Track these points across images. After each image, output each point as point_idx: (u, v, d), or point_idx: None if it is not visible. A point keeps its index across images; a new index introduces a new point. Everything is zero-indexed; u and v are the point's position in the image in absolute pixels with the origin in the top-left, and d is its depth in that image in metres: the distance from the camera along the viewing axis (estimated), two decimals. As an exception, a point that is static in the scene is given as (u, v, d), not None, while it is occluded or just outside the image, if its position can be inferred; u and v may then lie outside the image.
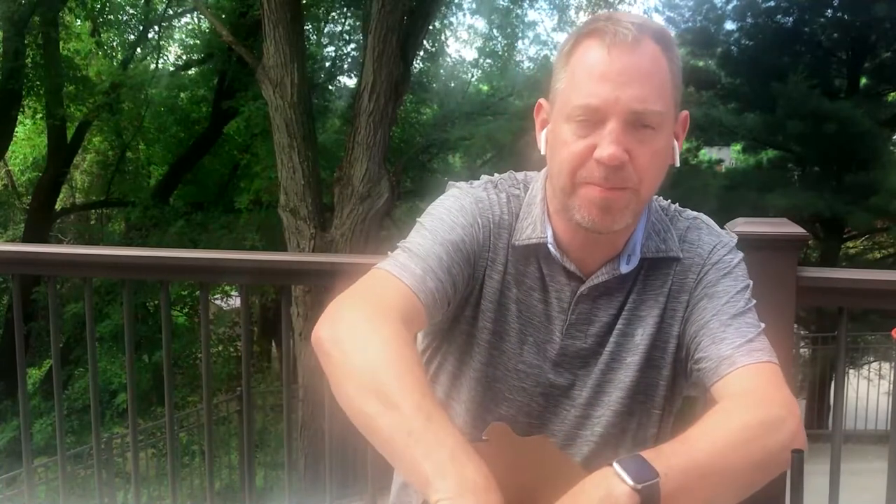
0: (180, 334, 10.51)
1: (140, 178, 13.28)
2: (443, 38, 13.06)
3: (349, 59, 12.54)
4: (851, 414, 7.01)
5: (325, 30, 12.60)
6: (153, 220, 10.77)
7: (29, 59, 11.17)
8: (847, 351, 2.12)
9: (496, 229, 1.08)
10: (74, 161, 12.94)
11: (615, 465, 0.80)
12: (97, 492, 2.25)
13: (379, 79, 6.82)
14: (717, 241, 1.09)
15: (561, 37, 14.24)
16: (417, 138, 11.82)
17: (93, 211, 14.64)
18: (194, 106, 12.73)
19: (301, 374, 6.54)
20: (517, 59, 14.57)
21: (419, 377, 0.84)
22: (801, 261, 1.64)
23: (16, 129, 12.30)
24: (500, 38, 14.14)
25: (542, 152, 1.04)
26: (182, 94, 12.62)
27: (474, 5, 13.49)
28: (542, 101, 1.06)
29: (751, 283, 1.08)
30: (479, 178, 1.14)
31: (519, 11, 13.72)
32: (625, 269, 1.06)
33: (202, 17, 12.27)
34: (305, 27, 9.01)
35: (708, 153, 12.39)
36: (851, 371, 7.95)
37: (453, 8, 12.91)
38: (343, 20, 12.47)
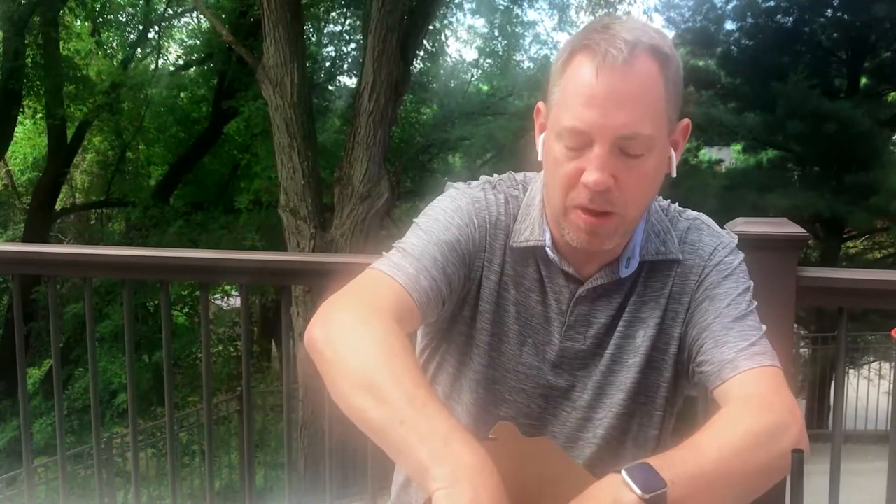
0: (180, 334, 10.51)
1: (140, 178, 13.28)
2: (443, 38, 13.05)
3: (349, 59, 12.55)
4: (851, 414, 7.01)
5: (325, 30, 12.60)
6: (153, 220, 10.76)
7: (29, 59, 11.17)
8: (847, 351, 2.12)
9: (492, 230, 1.08)
10: (74, 161, 12.94)
11: (623, 473, 0.80)
12: (97, 492, 2.25)
13: (379, 79, 6.82)
14: (717, 243, 1.09)
15: (561, 37, 14.28)
16: (417, 138, 11.82)
17: (93, 211, 14.63)
18: (194, 106, 12.73)
19: (301, 374, 6.54)
20: (517, 59, 14.57)
21: (411, 368, 0.84)
22: (801, 261, 1.64)
23: (16, 129, 12.29)
24: (500, 39, 14.13)
25: (540, 158, 1.04)
26: (182, 94, 12.62)
27: (474, 5, 13.50)
28: (540, 104, 1.05)
29: (752, 284, 1.08)
30: (478, 179, 1.14)
31: (519, 11, 13.73)
32: (624, 272, 1.06)
33: (202, 17, 12.27)
34: (305, 27, 9.01)
35: (708, 153, 12.39)
36: (851, 371, 7.95)
37: (453, 8, 12.92)
38: (343, 20, 12.47)
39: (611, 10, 13.56)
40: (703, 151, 11.36)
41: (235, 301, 12.49)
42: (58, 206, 12.79)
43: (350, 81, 12.79)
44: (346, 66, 12.69)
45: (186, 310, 11.51)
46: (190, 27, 14.06)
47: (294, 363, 5.86)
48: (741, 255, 1.10)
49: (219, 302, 13.21)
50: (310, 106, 7.50)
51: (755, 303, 1.06)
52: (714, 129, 9.63)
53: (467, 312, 1.09)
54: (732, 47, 9.97)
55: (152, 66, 12.87)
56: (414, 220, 1.08)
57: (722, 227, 1.17)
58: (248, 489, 2.09)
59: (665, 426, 1.12)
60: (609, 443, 1.09)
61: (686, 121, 1.04)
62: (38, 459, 6.79)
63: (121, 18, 13.13)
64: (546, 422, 1.11)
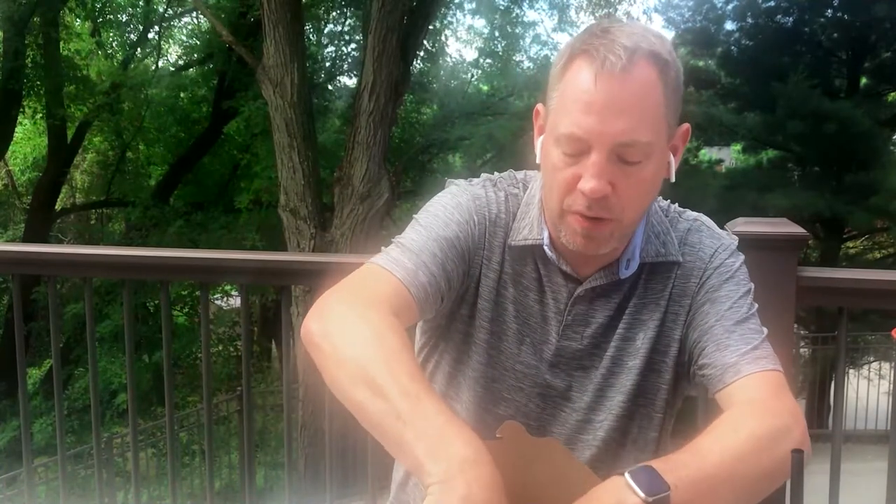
0: (180, 334, 10.51)
1: (140, 178, 13.29)
2: (443, 38, 13.06)
3: (349, 59, 12.55)
4: (851, 414, 7.01)
5: (325, 30, 12.60)
6: (153, 220, 10.76)
7: (29, 59, 11.17)
8: (847, 351, 2.12)
9: (492, 227, 1.08)
10: (74, 161, 12.93)
11: (626, 475, 0.80)
12: (97, 492, 2.25)
13: (379, 79, 6.82)
14: (718, 245, 1.09)
15: (561, 37, 14.26)
16: (417, 138, 11.82)
17: (93, 211, 14.64)
18: (194, 106, 12.73)
19: (301, 374, 6.53)
20: (517, 59, 14.56)
21: (407, 360, 0.85)
22: (801, 261, 1.64)
23: (16, 129, 12.30)
24: (500, 39, 14.13)
25: (538, 160, 1.04)
26: (182, 94, 12.61)
27: (474, 5, 13.50)
28: (539, 106, 1.04)
29: (752, 286, 1.08)
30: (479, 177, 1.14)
31: (519, 11, 13.72)
32: (624, 273, 1.06)
33: (202, 17, 12.28)
34: (305, 27, 9.01)
35: (708, 153, 12.41)
36: (851, 371, 7.95)
37: (453, 8, 12.92)
38: (343, 20, 12.47)
39: (611, 10, 13.56)
40: (703, 151, 11.37)
41: (235, 301, 12.49)
42: (58, 206, 12.78)
43: (350, 81, 12.81)
44: (346, 66, 12.71)
45: (186, 310, 11.50)
46: (190, 27, 14.08)
47: (294, 363, 5.86)
48: (742, 258, 1.09)
49: (219, 302, 13.20)
50: (310, 106, 7.50)
51: (756, 305, 1.06)
52: (714, 129, 9.65)
53: (465, 310, 1.09)
54: (732, 47, 9.98)
55: (152, 67, 12.87)
56: (414, 216, 1.08)
57: (722, 227, 1.17)
58: (248, 489, 2.09)
59: (665, 428, 1.12)
60: (609, 445, 1.09)
61: (686, 126, 1.03)
62: (39, 459, 6.79)
63: (121, 18, 13.13)
64: (544, 422, 1.11)
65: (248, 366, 2.00)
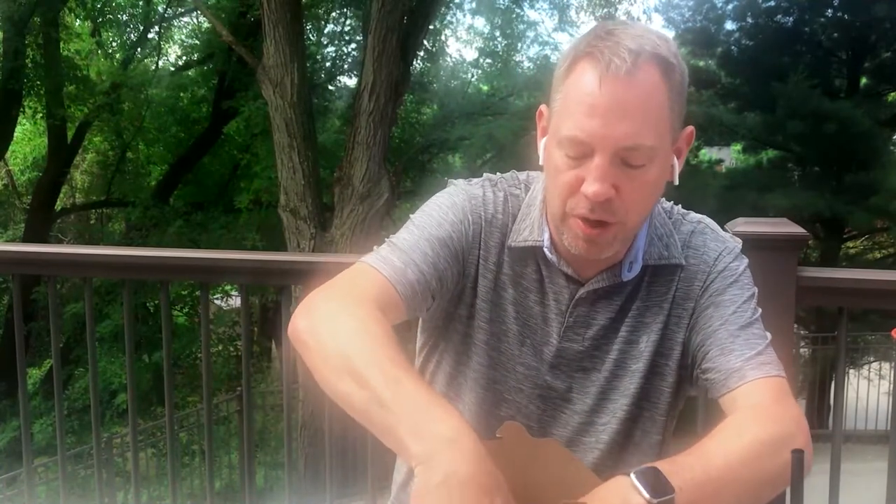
0: (180, 334, 10.50)
1: (140, 178, 13.28)
2: (443, 38, 13.06)
3: (349, 59, 12.54)
4: (851, 414, 7.00)
5: (325, 30, 12.60)
6: (153, 220, 10.76)
7: (29, 59, 11.16)
8: (847, 351, 2.12)
9: (488, 227, 1.07)
10: (74, 161, 12.93)
11: (632, 476, 0.80)
12: (97, 492, 2.25)
13: (379, 79, 6.82)
14: (722, 248, 1.08)
15: (561, 37, 14.25)
16: (417, 138, 11.82)
17: (93, 211, 14.63)
18: (194, 106, 12.73)
19: (301, 374, 6.53)
20: (517, 59, 14.56)
21: (388, 345, 0.86)
22: (801, 261, 1.64)
23: (16, 129, 12.29)
24: (500, 39, 14.13)
25: (541, 161, 1.03)
26: (182, 94, 12.61)
27: (474, 5, 13.50)
28: (542, 107, 1.03)
29: (756, 290, 1.07)
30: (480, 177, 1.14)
31: (519, 11, 13.71)
32: (627, 276, 1.05)
33: (202, 17, 12.27)
34: (305, 27, 9.01)
35: (708, 153, 12.41)
36: (851, 371, 7.95)
37: (453, 8, 12.91)
38: (343, 20, 12.47)
39: (611, 10, 13.55)
40: (703, 151, 11.37)
41: (235, 301, 12.48)
42: (58, 206, 12.78)
43: (350, 81, 12.80)
44: (346, 66, 12.69)
45: (186, 310, 11.50)
46: (190, 27, 14.08)
47: (294, 363, 5.85)
48: (746, 261, 1.09)
49: (219, 302, 13.20)
50: (310, 106, 7.50)
51: (759, 310, 1.05)
52: (714, 129, 9.64)
53: (463, 311, 1.09)
54: (732, 47, 9.98)
55: (152, 67, 12.86)
56: (410, 215, 1.09)
57: (722, 227, 1.17)
58: (248, 489, 2.09)
59: (667, 430, 1.12)
60: (612, 448, 1.09)
61: (690, 128, 1.02)
62: (39, 459, 6.79)
63: (121, 18, 13.12)
64: (545, 423, 1.10)
65: (248, 366, 2.00)
